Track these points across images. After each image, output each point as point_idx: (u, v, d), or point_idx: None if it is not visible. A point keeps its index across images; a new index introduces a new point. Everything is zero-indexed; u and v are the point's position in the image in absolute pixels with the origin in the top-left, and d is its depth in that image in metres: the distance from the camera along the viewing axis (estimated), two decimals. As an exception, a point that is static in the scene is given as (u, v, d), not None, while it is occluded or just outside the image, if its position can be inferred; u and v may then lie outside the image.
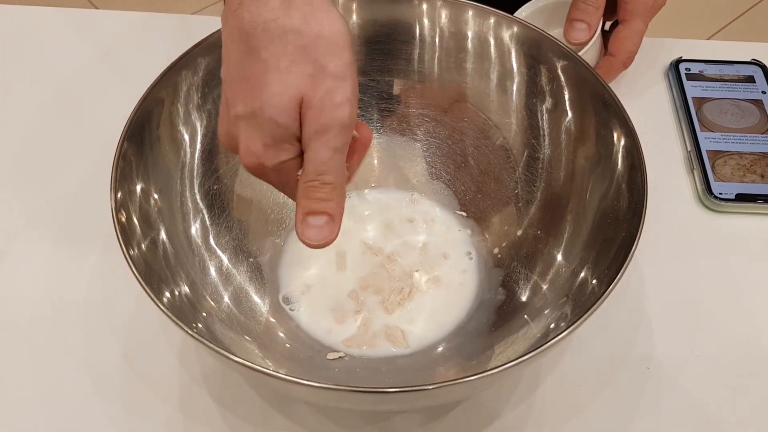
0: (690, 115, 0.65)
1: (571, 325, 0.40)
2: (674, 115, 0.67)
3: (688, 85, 0.68)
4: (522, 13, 0.66)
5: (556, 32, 0.64)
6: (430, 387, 0.39)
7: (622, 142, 0.49)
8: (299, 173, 0.41)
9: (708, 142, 0.64)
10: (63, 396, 0.50)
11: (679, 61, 0.69)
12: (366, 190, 0.59)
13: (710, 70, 0.69)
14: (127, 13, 0.74)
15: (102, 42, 0.72)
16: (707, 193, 0.60)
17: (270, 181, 0.42)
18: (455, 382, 0.39)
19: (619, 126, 0.50)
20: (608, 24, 0.67)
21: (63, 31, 0.73)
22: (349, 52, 0.39)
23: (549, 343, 0.40)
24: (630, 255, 0.43)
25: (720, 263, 0.58)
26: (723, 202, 0.60)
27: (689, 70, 0.69)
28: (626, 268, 0.43)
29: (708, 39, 1.60)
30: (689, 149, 0.64)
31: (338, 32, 0.39)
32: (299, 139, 0.40)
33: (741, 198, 0.60)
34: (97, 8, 1.68)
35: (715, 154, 0.63)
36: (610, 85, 0.51)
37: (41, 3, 0.77)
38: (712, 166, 0.62)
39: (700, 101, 0.67)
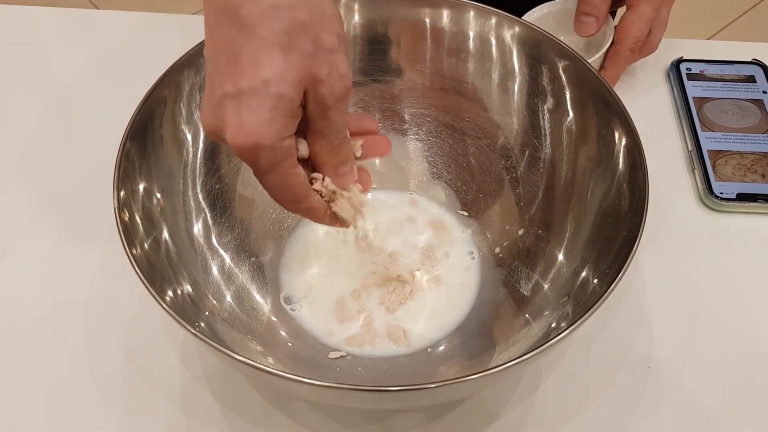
0: (691, 115, 0.65)
1: (572, 324, 0.40)
2: (675, 114, 0.67)
3: (689, 84, 0.68)
4: (528, 18, 0.66)
5: (562, 38, 0.64)
6: (432, 386, 0.39)
7: (624, 142, 0.49)
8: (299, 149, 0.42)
9: (709, 141, 0.64)
10: (64, 395, 0.51)
11: (680, 61, 0.70)
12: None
13: (711, 70, 0.69)
14: (128, 13, 0.74)
15: (103, 42, 0.72)
16: (708, 193, 0.60)
17: (261, 163, 0.40)
18: (456, 381, 0.39)
19: (620, 126, 0.50)
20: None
21: (64, 31, 0.73)
22: (339, 22, 0.40)
23: (550, 343, 0.40)
24: (631, 254, 0.43)
25: (721, 263, 0.58)
26: (724, 202, 0.60)
27: (690, 70, 0.69)
28: (627, 267, 0.43)
29: (709, 39, 1.60)
30: (690, 149, 0.64)
31: (326, 4, 0.39)
32: (298, 114, 0.40)
33: (742, 197, 0.60)
34: (98, 8, 1.68)
35: (716, 154, 0.63)
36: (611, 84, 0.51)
37: (43, 3, 0.77)
38: (713, 166, 0.62)
39: (701, 101, 0.67)
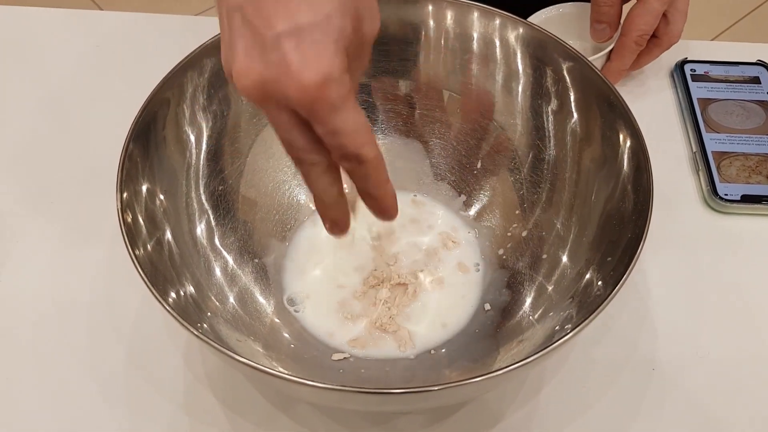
0: (695, 116, 0.65)
1: (577, 326, 0.40)
2: (679, 116, 0.67)
3: (693, 86, 0.68)
4: (533, 20, 0.66)
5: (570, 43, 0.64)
6: (435, 388, 0.39)
7: (628, 144, 0.49)
8: None
9: (713, 143, 0.63)
10: (67, 396, 0.51)
11: (684, 62, 0.69)
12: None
13: (715, 71, 0.69)
14: (130, 14, 0.74)
15: (106, 43, 0.72)
16: (712, 195, 0.60)
17: (333, 97, 0.38)
18: (460, 384, 0.39)
19: (624, 127, 0.49)
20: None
21: (67, 32, 0.73)
22: None
23: (554, 345, 0.40)
24: (636, 256, 0.43)
25: (725, 265, 0.58)
26: (728, 204, 0.60)
27: (694, 71, 0.69)
28: (632, 269, 0.42)
29: (713, 40, 1.60)
30: (694, 150, 0.64)
31: None
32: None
33: (746, 199, 0.60)
34: (101, 9, 1.68)
35: (721, 155, 0.63)
36: (615, 85, 0.51)
37: (48, 3, 0.77)
38: (718, 168, 0.62)
39: (706, 102, 0.66)
